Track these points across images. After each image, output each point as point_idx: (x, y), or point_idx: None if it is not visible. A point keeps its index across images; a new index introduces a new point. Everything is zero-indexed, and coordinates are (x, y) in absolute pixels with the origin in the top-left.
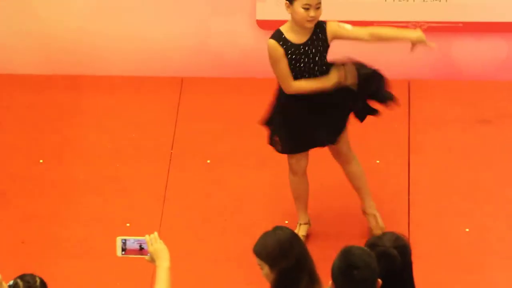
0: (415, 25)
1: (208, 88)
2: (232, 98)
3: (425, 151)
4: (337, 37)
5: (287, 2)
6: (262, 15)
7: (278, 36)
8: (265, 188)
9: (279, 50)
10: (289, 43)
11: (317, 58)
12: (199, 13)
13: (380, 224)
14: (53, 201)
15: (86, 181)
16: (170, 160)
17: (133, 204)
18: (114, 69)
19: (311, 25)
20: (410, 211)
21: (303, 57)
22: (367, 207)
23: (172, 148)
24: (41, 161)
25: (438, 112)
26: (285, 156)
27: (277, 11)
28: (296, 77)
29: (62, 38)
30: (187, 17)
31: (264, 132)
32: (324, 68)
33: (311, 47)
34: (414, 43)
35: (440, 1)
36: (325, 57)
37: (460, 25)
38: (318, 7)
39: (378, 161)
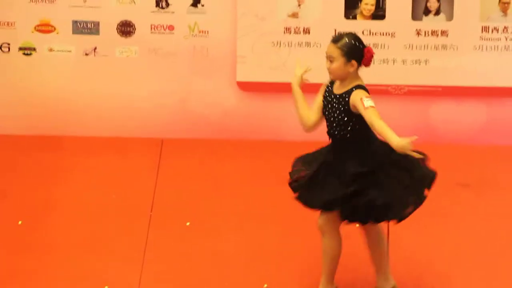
0: (395, 88)
1: (189, 149)
2: (213, 159)
3: None
4: (355, 107)
5: None
6: (242, 77)
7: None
8: (245, 251)
9: (323, 84)
10: (329, 87)
11: (335, 114)
12: (180, 73)
13: None
14: (31, 262)
15: (65, 243)
16: (150, 222)
17: (112, 266)
18: (94, 129)
19: (331, 76)
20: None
21: (329, 106)
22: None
23: (151, 210)
24: (20, 222)
25: None
26: (263, 219)
27: (258, 73)
28: (326, 121)
29: (42, 97)
30: (167, 77)
31: (244, 194)
32: (339, 128)
33: (336, 102)
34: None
35: (420, 64)
36: (343, 119)
37: (440, 89)
38: (330, 60)
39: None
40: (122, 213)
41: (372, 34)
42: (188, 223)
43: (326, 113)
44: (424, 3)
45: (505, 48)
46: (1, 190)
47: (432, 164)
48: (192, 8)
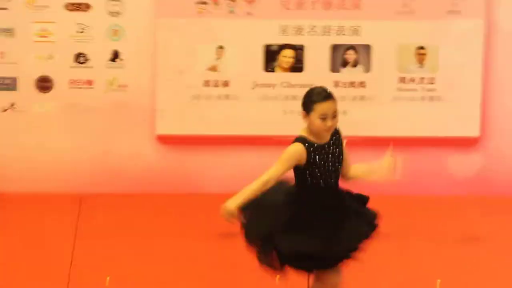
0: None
1: (109, 204)
2: (133, 214)
3: None
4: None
5: (304, 112)
6: (162, 130)
7: (302, 140)
8: None
9: (302, 152)
10: (315, 145)
11: (340, 156)
12: (100, 128)
13: None
14: None
15: None
16: (69, 278)
17: None
18: (13, 183)
19: (328, 134)
20: None
21: (330, 156)
22: None
23: (71, 266)
24: None
25: None
26: (184, 272)
27: (178, 126)
28: (322, 177)
29: None
30: (87, 132)
31: (163, 246)
32: (336, 174)
33: (333, 146)
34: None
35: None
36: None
37: (358, 140)
38: (334, 116)
39: None
40: (41, 270)
41: (291, 86)
42: (107, 280)
43: (327, 168)
44: (341, 55)
45: (422, 98)
46: None
47: None
48: (111, 62)
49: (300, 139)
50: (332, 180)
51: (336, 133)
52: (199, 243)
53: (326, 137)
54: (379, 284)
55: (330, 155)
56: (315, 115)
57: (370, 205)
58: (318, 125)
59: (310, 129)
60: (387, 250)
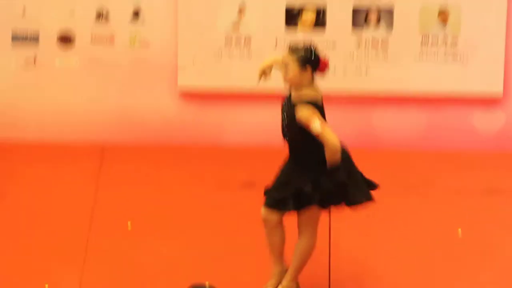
0: (337, 96)
1: (129, 155)
2: (153, 165)
3: (344, 217)
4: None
5: None
6: (184, 87)
7: None
8: (185, 254)
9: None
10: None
11: (286, 120)
12: (119, 82)
13: None
14: None
15: (6, 249)
16: (91, 224)
17: (51, 270)
18: (33, 135)
19: (286, 84)
20: (331, 276)
21: (285, 111)
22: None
23: (92, 213)
24: None
25: None
26: (203, 221)
27: (198, 79)
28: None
29: None
30: (107, 86)
31: (186, 198)
32: (290, 135)
33: (287, 107)
34: None
35: (360, 73)
36: (291, 126)
37: (380, 96)
38: (286, 68)
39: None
40: (64, 217)
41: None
42: (129, 225)
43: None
44: (364, 14)
45: (444, 56)
46: None
47: (374, 169)
48: (133, 19)
49: None
50: (285, 133)
51: (292, 104)
52: (217, 193)
53: (288, 88)
54: (403, 232)
55: (286, 111)
56: None
57: (398, 160)
58: None
59: None
60: (411, 201)
